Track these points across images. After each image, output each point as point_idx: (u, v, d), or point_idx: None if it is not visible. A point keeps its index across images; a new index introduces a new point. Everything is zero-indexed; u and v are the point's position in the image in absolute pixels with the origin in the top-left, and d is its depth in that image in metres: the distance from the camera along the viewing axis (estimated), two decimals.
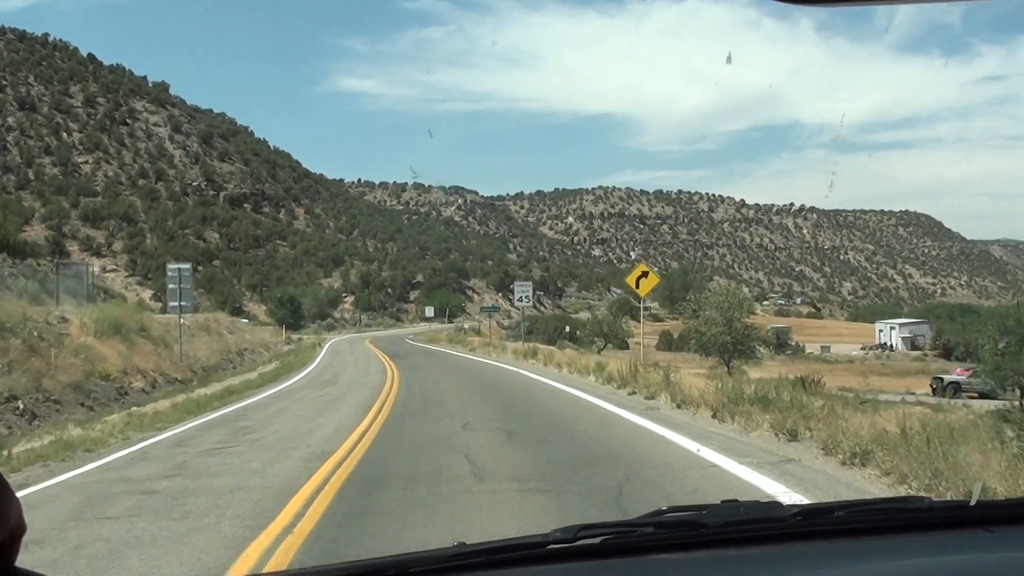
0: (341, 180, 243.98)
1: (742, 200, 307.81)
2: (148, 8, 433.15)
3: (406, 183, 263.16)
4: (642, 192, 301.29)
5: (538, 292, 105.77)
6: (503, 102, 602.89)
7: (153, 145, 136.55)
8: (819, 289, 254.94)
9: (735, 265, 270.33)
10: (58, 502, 5.91)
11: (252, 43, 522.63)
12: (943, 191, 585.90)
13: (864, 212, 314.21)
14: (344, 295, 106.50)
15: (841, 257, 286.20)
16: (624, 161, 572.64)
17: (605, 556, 1.61)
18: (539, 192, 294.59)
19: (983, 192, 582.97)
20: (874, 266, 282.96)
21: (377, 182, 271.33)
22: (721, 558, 1.64)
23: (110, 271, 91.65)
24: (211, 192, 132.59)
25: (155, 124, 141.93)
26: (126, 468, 7.66)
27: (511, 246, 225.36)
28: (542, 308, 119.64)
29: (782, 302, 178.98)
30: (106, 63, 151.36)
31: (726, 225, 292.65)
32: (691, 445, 7.51)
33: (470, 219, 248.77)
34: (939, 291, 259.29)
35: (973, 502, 1.83)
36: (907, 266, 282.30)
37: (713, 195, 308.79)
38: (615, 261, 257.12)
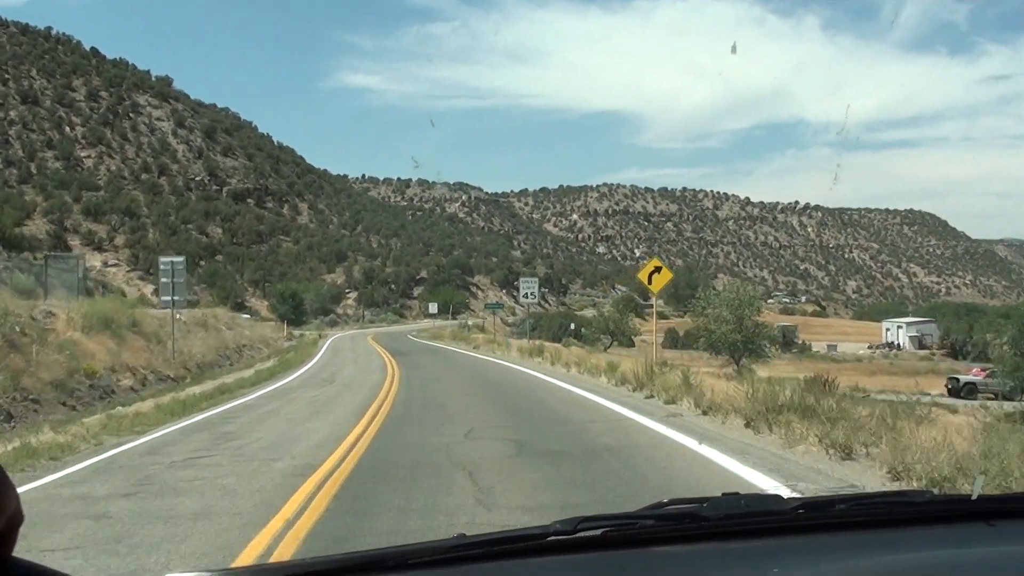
0: (345, 176, 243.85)
1: (747, 198, 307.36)
2: (152, 2, 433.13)
3: (410, 179, 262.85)
4: (647, 189, 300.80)
5: (542, 289, 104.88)
6: (508, 98, 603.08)
7: (156, 140, 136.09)
8: (824, 287, 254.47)
9: (739, 263, 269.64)
10: None
11: (257, 38, 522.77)
12: (948, 190, 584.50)
13: (869, 211, 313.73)
14: (347, 291, 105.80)
15: (846, 255, 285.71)
16: (629, 158, 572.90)
17: (606, 548, 1.61)
18: (543, 189, 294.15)
19: (988, 191, 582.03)
20: (879, 265, 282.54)
21: (381, 178, 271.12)
22: (722, 551, 1.64)
23: (112, 266, 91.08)
24: (214, 187, 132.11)
25: (158, 119, 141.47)
26: (86, 482, 6.80)
27: (515, 243, 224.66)
28: (546, 305, 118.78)
29: (787, 300, 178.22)
30: (109, 57, 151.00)
31: (731, 223, 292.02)
32: (731, 464, 6.52)
33: (474, 215, 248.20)
34: (944, 290, 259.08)
35: (974, 496, 1.81)
36: (912, 265, 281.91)
37: (718, 193, 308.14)
38: (619, 258, 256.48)
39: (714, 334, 32.52)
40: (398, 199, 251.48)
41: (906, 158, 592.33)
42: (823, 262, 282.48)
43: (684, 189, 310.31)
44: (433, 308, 75.16)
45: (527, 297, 32.01)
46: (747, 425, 8.42)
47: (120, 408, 13.59)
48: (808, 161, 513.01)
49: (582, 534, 1.60)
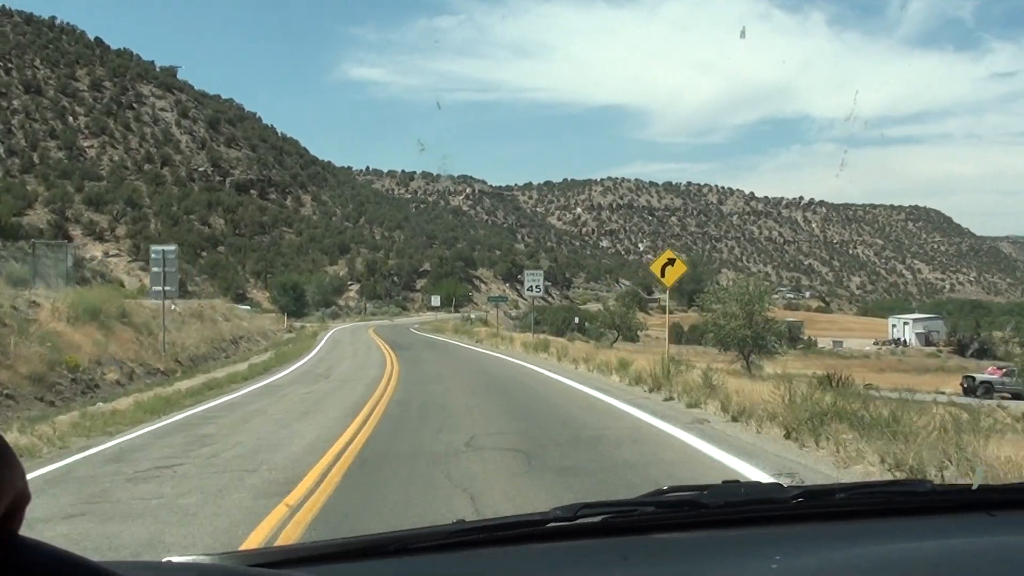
0: (349, 168, 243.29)
1: (751, 193, 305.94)
2: None
3: (414, 172, 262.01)
4: (651, 184, 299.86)
5: (546, 282, 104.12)
6: (512, 92, 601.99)
7: (159, 130, 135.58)
8: (828, 283, 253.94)
9: (743, 258, 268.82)
10: None
11: (262, 30, 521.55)
12: (953, 187, 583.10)
13: (874, 206, 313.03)
14: (350, 283, 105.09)
15: (850, 251, 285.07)
16: (633, 152, 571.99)
17: (606, 535, 1.62)
18: (548, 182, 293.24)
19: (993, 188, 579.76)
20: (883, 261, 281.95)
21: (385, 170, 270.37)
22: (721, 538, 1.65)
23: (113, 256, 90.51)
24: (217, 178, 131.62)
25: (162, 109, 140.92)
26: (33, 497, 5.92)
27: (519, 236, 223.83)
28: (550, 299, 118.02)
29: (791, 296, 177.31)
30: (113, 47, 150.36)
31: (735, 218, 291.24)
32: None
33: (478, 208, 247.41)
34: (948, 287, 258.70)
35: (975, 486, 1.84)
36: (916, 261, 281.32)
37: (722, 187, 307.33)
38: (623, 252, 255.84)
39: (723, 329, 31.65)
40: (402, 191, 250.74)
41: (911, 154, 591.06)
42: (827, 258, 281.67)
43: (688, 184, 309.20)
44: (436, 301, 74.30)
45: (532, 290, 31.04)
46: (787, 436, 7.37)
47: (101, 404, 12.80)
48: (813, 157, 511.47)
49: (582, 520, 1.61)
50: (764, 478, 5.69)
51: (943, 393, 32.36)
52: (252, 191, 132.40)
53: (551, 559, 1.56)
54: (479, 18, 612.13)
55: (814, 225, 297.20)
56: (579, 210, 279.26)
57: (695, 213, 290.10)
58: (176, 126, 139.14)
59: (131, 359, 17.75)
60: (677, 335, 79.20)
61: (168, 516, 5.15)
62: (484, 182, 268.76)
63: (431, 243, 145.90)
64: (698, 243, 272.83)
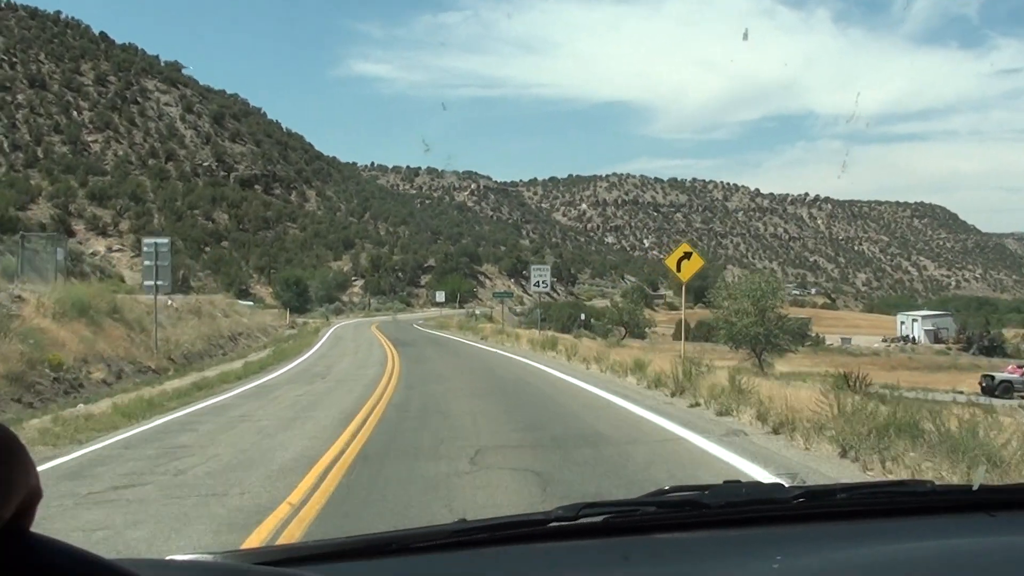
0: (354, 163, 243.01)
1: (756, 189, 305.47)
2: None
3: (419, 168, 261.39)
4: (656, 180, 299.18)
5: (552, 278, 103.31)
6: (517, 88, 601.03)
7: (164, 125, 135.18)
8: (833, 280, 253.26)
9: (749, 254, 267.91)
10: None
11: (267, 25, 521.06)
12: (958, 183, 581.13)
13: (879, 203, 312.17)
14: (354, 278, 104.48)
15: (856, 248, 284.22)
16: (638, 149, 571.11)
17: (607, 534, 1.63)
18: (553, 178, 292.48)
19: (998, 185, 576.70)
20: (888, 257, 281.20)
21: (390, 166, 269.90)
22: (722, 538, 1.66)
23: (116, 251, 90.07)
24: (222, 173, 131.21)
25: (166, 104, 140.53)
26: None
27: (524, 232, 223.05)
28: (555, 295, 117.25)
29: (796, 292, 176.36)
30: (118, 42, 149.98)
31: (740, 214, 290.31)
32: None
33: (483, 204, 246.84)
34: (954, 283, 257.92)
35: (975, 486, 1.84)
36: (922, 258, 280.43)
37: (727, 184, 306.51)
38: (628, 249, 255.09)
39: (735, 326, 30.82)
40: (407, 187, 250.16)
41: (916, 151, 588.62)
42: (833, 254, 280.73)
43: (694, 180, 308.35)
44: (440, 297, 73.65)
45: (538, 285, 30.12)
46: (843, 454, 6.38)
47: (82, 406, 12.06)
48: (818, 153, 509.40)
49: (584, 520, 1.61)
50: None
51: (961, 392, 31.49)
52: (256, 186, 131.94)
53: (553, 559, 1.56)
54: (484, 14, 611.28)
55: (819, 221, 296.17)
56: (584, 206, 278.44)
57: (700, 209, 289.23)
58: (181, 121, 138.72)
59: (120, 357, 17.01)
60: (685, 331, 78.41)
61: (108, 555, 4.27)
62: (489, 178, 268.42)
63: (436, 239, 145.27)
64: (703, 239, 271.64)
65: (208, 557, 1.39)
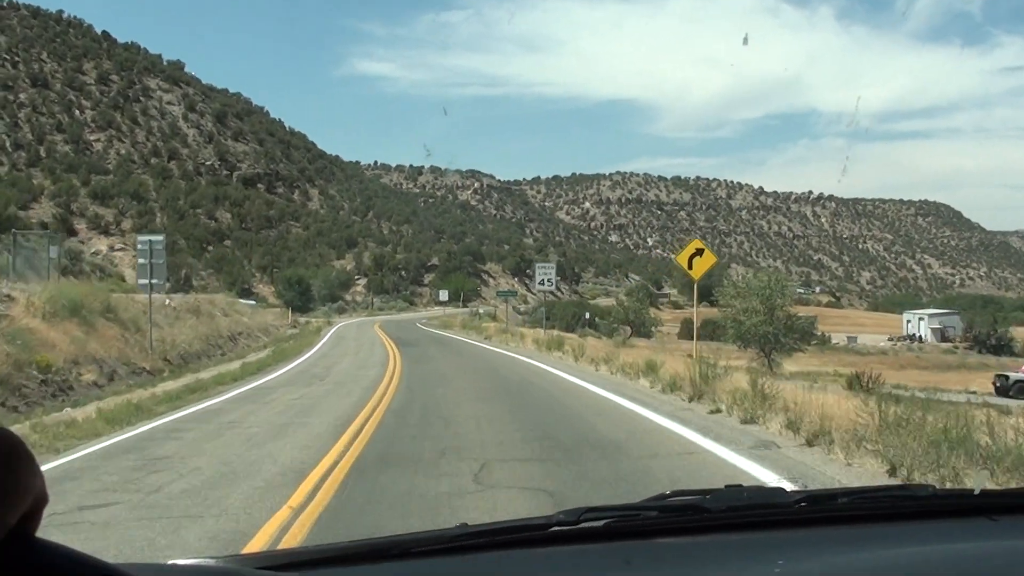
0: (357, 162, 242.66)
1: (760, 187, 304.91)
2: None
3: (422, 166, 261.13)
4: (660, 178, 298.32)
5: (556, 277, 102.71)
6: (520, 87, 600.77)
7: (166, 124, 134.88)
8: (837, 278, 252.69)
9: (753, 252, 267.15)
10: None
11: (270, 24, 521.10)
12: (962, 181, 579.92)
13: (883, 201, 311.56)
14: (357, 277, 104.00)
15: (860, 246, 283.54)
16: (642, 147, 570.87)
17: (608, 539, 1.62)
18: (556, 177, 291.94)
19: (1002, 183, 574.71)
20: (893, 256, 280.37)
21: (393, 165, 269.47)
22: (724, 543, 1.65)
23: (118, 250, 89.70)
24: (224, 172, 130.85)
25: (169, 103, 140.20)
26: None
27: (527, 231, 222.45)
28: (559, 294, 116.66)
29: (801, 291, 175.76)
30: (121, 41, 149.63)
31: (744, 212, 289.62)
32: None
33: (486, 203, 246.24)
34: (958, 282, 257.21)
35: (977, 491, 1.87)
36: (926, 256, 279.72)
37: (731, 182, 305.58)
38: (632, 247, 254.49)
39: (743, 325, 30.21)
40: (410, 186, 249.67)
41: (920, 149, 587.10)
42: (837, 252, 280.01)
43: (697, 178, 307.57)
44: (444, 295, 73.19)
45: (543, 284, 29.53)
46: (892, 472, 5.70)
47: (69, 410, 11.57)
48: (822, 151, 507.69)
49: (585, 525, 1.60)
50: None
51: (974, 392, 30.89)
52: (259, 185, 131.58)
53: (554, 563, 1.56)
54: (487, 12, 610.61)
55: (823, 220, 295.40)
56: (588, 204, 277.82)
57: (704, 208, 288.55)
58: (183, 120, 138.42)
59: (114, 358, 16.52)
60: (689, 330, 77.87)
61: None
62: (492, 176, 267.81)
63: (439, 237, 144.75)
64: (707, 238, 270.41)
65: (210, 562, 1.39)
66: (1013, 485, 4.86)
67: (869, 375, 24.37)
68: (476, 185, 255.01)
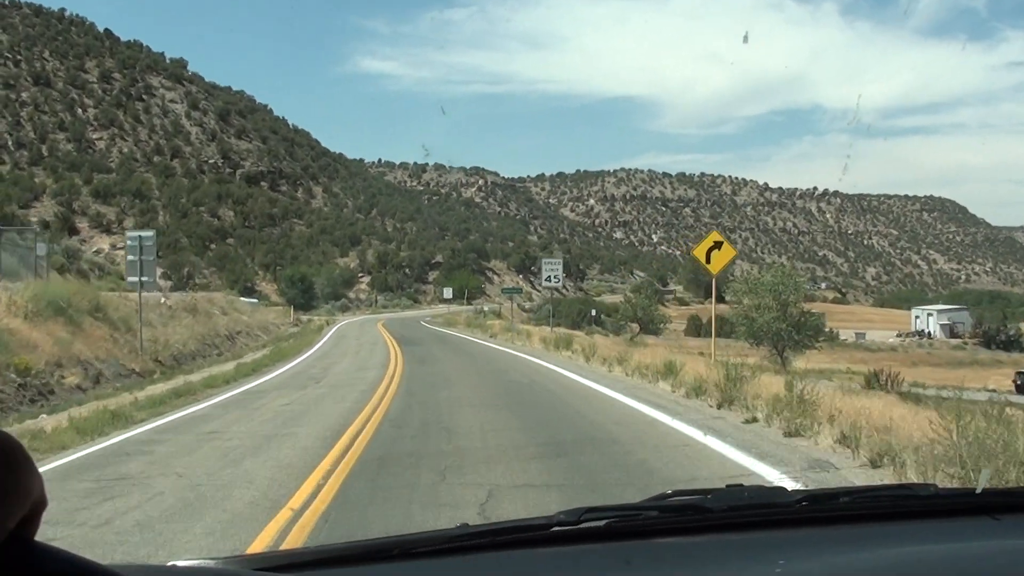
0: (361, 160, 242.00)
1: (765, 184, 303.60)
2: None
3: (426, 164, 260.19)
4: (664, 175, 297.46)
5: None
6: (524, 84, 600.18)
7: (169, 122, 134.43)
8: (843, 274, 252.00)
9: (758, 249, 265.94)
10: None
11: (273, 22, 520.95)
12: (966, 177, 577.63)
13: (888, 197, 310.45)
14: (360, 275, 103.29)
15: (865, 242, 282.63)
16: (645, 144, 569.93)
17: (609, 539, 1.62)
18: (560, 174, 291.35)
19: (1007, 178, 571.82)
20: (898, 251, 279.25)
21: (397, 162, 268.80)
22: (725, 543, 1.65)
23: (120, 248, 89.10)
24: (227, 170, 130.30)
25: (171, 101, 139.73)
26: None
27: (532, 228, 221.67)
28: (564, 291, 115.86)
29: (807, 287, 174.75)
30: (123, 39, 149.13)
31: (749, 209, 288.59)
32: None
33: (490, 200, 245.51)
34: (964, 277, 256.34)
35: (979, 490, 1.86)
36: (931, 252, 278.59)
37: (736, 178, 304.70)
38: (637, 244, 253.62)
39: (756, 322, 29.32)
40: (414, 183, 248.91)
41: (924, 145, 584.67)
42: (842, 248, 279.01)
43: (702, 174, 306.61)
44: (448, 293, 72.44)
45: (550, 280, 28.62)
46: None
47: (44, 417, 10.78)
48: (826, 147, 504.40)
49: (586, 525, 1.60)
50: None
51: (994, 391, 30.01)
52: (263, 183, 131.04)
53: (555, 563, 1.56)
54: (490, 9, 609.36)
55: (828, 216, 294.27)
56: (592, 201, 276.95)
57: (709, 204, 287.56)
58: (186, 118, 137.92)
59: (101, 359, 15.75)
60: (696, 327, 76.86)
61: None
62: (496, 174, 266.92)
63: (443, 235, 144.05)
64: None
65: (210, 563, 1.39)
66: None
67: (888, 374, 23.52)
68: (480, 182, 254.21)
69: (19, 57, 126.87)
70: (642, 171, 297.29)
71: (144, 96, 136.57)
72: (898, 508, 1.77)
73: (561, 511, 1.61)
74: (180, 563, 1.24)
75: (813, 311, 34.22)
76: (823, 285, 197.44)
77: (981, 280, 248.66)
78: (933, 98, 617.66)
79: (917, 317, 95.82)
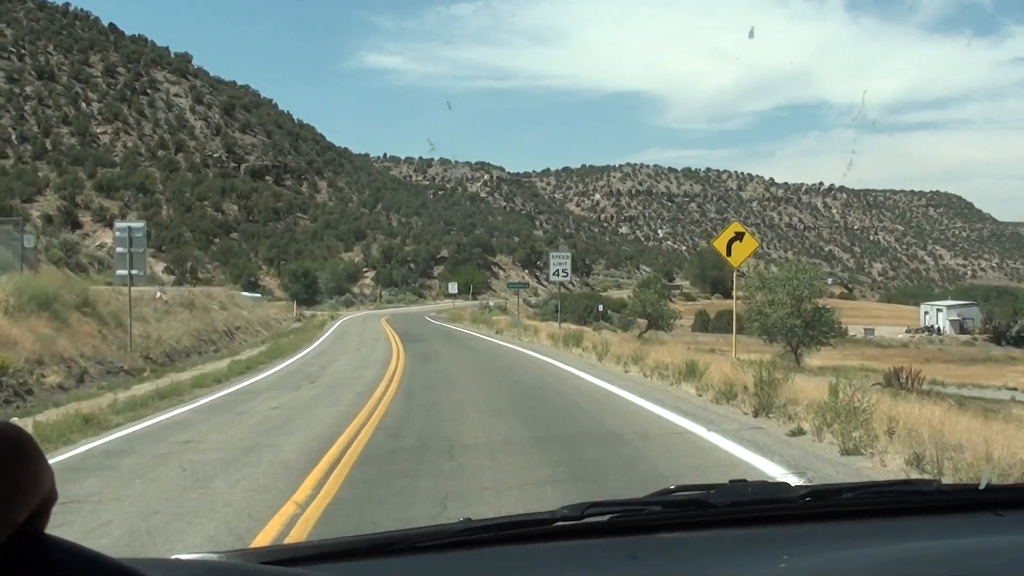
0: (366, 154, 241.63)
1: (771, 179, 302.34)
2: None
3: (432, 159, 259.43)
4: (670, 170, 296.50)
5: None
6: (529, 79, 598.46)
7: (174, 116, 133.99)
8: (849, 270, 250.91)
9: (764, 244, 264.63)
10: None
11: (278, 17, 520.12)
12: (972, 172, 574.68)
13: (894, 192, 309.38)
14: (365, 270, 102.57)
15: (871, 237, 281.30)
16: (651, 139, 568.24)
17: (612, 534, 1.63)
18: (566, 169, 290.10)
19: (1013, 174, 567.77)
20: (904, 247, 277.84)
21: (403, 157, 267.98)
22: (728, 538, 1.66)
23: None
24: (232, 164, 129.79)
25: (176, 95, 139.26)
26: None
27: (537, 223, 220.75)
28: (570, 286, 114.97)
29: (827, 282, 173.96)
30: (128, 33, 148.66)
31: (755, 204, 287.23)
32: None
33: (496, 195, 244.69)
34: (970, 273, 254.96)
35: (982, 486, 1.83)
36: (937, 247, 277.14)
37: (742, 173, 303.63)
38: (643, 239, 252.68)
39: (769, 318, 28.46)
40: (419, 178, 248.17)
41: (930, 140, 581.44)
42: (848, 244, 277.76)
43: (708, 170, 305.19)
44: (453, 288, 71.58)
45: (558, 275, 27.78)
46: None
47: (15, 420, 10.01)
48: (832, 143, 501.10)
49: (589, 520, 1.61)
50: None
51: (1015, 389, 29.18)
52: (267, 177, 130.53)
53: (558, 558, 1.56)
54: (496, 5, 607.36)
55: (834, 211, 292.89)
56: (598, 196, 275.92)
57: (715, 199, 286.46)
58: (191, 112, 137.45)
59: (87, 356, 14.99)
60: (703, 323, 75.95)
61: None
62: (502, 168, 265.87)
63: (448, 229, 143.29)
64: (718, 229, 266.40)
65: (214, 556, 1.38)
66: None
67: (908, 372, 22.67)
68: (486, 177, 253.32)
69: (23, 51, 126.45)
70: (648, 166, 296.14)
71: (148, 90, 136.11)
72: (902, 504, 1.77)
73: (564, 506, 1.60)
74: (185, 557, 1.23)
75: (827, 307, 33.32)
76: (830, 280, 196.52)
77: (987, 276, 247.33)
78: (939, 94, 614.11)
79: (926, 313, 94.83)
